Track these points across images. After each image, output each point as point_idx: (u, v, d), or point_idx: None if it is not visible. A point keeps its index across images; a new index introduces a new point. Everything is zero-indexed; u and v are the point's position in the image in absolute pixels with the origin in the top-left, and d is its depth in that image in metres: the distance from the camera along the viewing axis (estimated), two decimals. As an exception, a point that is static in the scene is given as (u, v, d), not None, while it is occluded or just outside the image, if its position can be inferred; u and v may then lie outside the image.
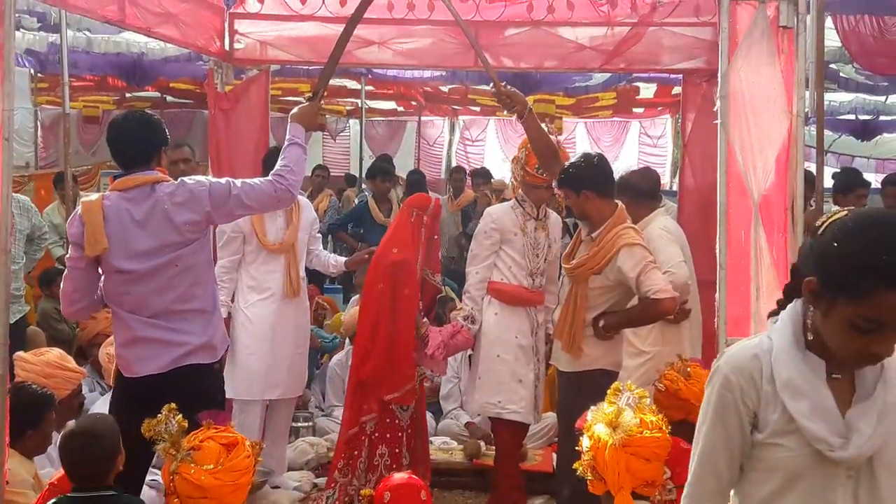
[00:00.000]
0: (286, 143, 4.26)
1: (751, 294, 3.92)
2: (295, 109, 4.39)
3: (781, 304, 2.24)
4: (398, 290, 5.31)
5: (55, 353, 4.82)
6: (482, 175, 10.77)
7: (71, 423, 3.77)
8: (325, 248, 7.34)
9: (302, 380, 6.06)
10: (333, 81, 10.99)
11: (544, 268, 5.33)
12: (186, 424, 3.45)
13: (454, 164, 16.17)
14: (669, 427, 3.37)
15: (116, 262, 3.93)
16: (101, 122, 15.21)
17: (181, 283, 4.00)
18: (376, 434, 5.34)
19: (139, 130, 4.05)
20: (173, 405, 3.42)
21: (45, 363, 4.68)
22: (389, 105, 14.77)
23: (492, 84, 5.12)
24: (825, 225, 2.21)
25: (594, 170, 4.61)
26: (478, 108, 14.36)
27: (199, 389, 3.94)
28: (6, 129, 3.81)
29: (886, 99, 10.80)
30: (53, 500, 3.19)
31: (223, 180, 4.11)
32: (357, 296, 7.92)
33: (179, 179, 4.08)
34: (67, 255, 4.10)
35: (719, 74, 3.92)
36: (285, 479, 5.92)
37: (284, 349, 5.75)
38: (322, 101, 4.59)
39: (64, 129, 7.64)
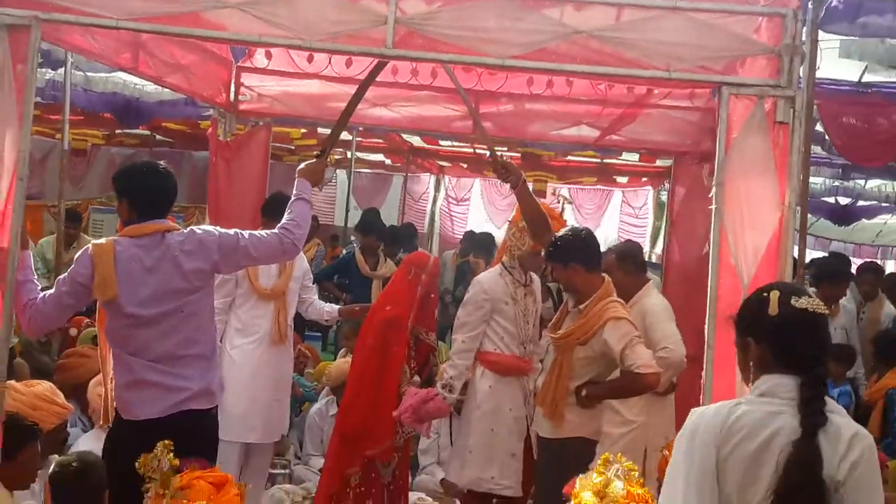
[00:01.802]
0: (293, 197, 4.40)
1: (736, 374, 4.01)
2: (302, 165, 4.55)
3: None
4: (387, 346, 5.36)
5: (45, 386, 4.82)
6: (486, 246, 10.80)
7: (64, 457, 3.83)
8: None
9: (281, 426, 6.12)
10: (322, 130, 11.15)
11: (533, 334, 5.36)
12: (178, 463, 3.53)
13: (437, 220, 16.35)
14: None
15: (125, 307, 4.01)
16: (88, 155, 15.28)
17: (184, 329, 4.09)
18: (362, 488, 5.36)
19: (164, 185, 4.20)
20: (168, 441, 3.53)
21: (34, 395, 4.68)
22: (377, 157, 14.93)
23: (489, 153, 5.26)
24: None
25: (582, 243, 4.74)
26: (465, 166, 14.53)
27: (195, 435, 4.00)
28: (21, 169, 3.92)
29: (866, 183, 11.03)
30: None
31: (231, 231, 4.23)
32: (343, 348, 7.99)
33: (189, 229, 4.22)
34: (60, 281, 4.10)
35: (716, 162, 4.06)
36: (260, 524, 5.95)
37: (265, 394, 5.84)
38: (328, 160, 4.73)
39: (61, 165, 7.72)
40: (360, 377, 5.43)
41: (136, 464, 3.48)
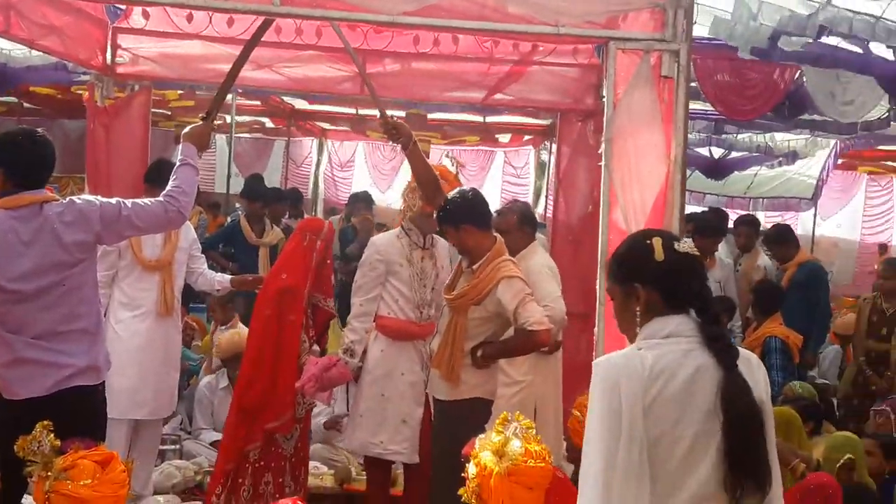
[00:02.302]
0: (178, 163, 4.26)
1: (628, 327, 4.10)
2: (187, 129, 4.40)
3: None
4: (284, 316, 5.28)
5: None
6: (364, 200, 10.80)
7: None
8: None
9: (171, 401, 6.00)
10: (200, 92, 10.88)
11: (432, 298, 5.29)
12: (59, 444, 3.42)
13: (321, 186, 16.19)
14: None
15: (2, 283, 3.84)
16: (-49, 126, 14.55)
17: (66, 303, 3.95)
18: (261, 462, 5.28)
19: (37, 151, 4.01)
20: (47, 422, 3.40)
21: None
22: (258, 120, 14.65)
23: (379, 114, 5.20)
24: None
25: (472, 204, 4.75)
26: (348, 128, 14.42)
27: (82, 412, 3.89)
28: None
29: (737, 135, 11.34)
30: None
31: (114, 201, 4.08)
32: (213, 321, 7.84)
33: (69, 199, 4.04)
34: None
35: (605, 119, 4.10)
36: (151, 501, 5.81)
37: (153, 369, 5.70)
38: (213, 122, 4.60)
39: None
40: (259, 349, 5.33)
41: (14, 447, 3.35)
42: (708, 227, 8.12)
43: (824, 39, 5.60)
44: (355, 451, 5.82)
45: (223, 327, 7.52)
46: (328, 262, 5.60)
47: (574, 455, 4.11)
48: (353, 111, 12.49)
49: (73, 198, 4.08)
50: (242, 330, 6.85)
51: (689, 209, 8.86)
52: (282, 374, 5.26)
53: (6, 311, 3.90)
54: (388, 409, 5.23)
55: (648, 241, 2.64)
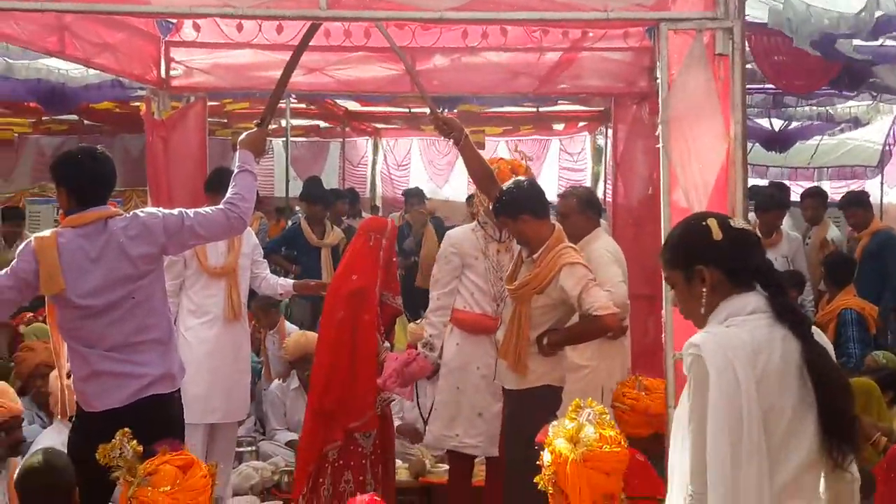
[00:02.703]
0: (237, 170, 4.30)
1: (697, 309, 4.05)
2: (243, 136, 4.44)
3: None
4: (358, 317, 5.27)
5: None
6: (416, 195, 10.83)
7: (29, 458, 3.76)
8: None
9: (243, 404, 6.09)
10: (254, 103, 11.00)
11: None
12: (142, 450, 3.49)
13: (379, 185, 16.26)
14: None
15: (74, 300, 3.92)
16: (15, 146, 14.92)
17: (137, 315, 4.02)
18: (340, 461, 5.29)
19: (102, 170, 4.09)
20: (127, 430, 3.47)
21: None
22: (312, 123, 14.76)
23: (429, 111, 5.18)
24: None
25: (527, 193, 4.72)
26: (401, 126, 14.46)
27: (160, 420, 3.96)
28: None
29: (796, 107, 11.14)
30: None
31: (175, 211, 4.15)
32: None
33: (132, 213, 4.13)
34: (3, 276, 3.97)
35: (660, 100, 4.06)
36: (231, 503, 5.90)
37: (224, 373, 5.79)
38: (269, 128, 4.63)
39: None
40: (335, 351, 5.30)
41: (97, 454, 3.43)
42: (770, 201, 7.98)
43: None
44: (430, 445, 5.80)
45: (271, 332, 7.60)
46: (394, 259, 5.59)
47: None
48: (405, 109, 12.50)
49: (137, 211, 4.16)
50: (309, 333, 6.93)
51: (752, 183, 8.75)
52: (361, 373, 5.24)
53: (79, 327, 3.99)
54: (463, 402, 5.22)
55: (704, 223, 2.67)
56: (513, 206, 4.69)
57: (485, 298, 5.23)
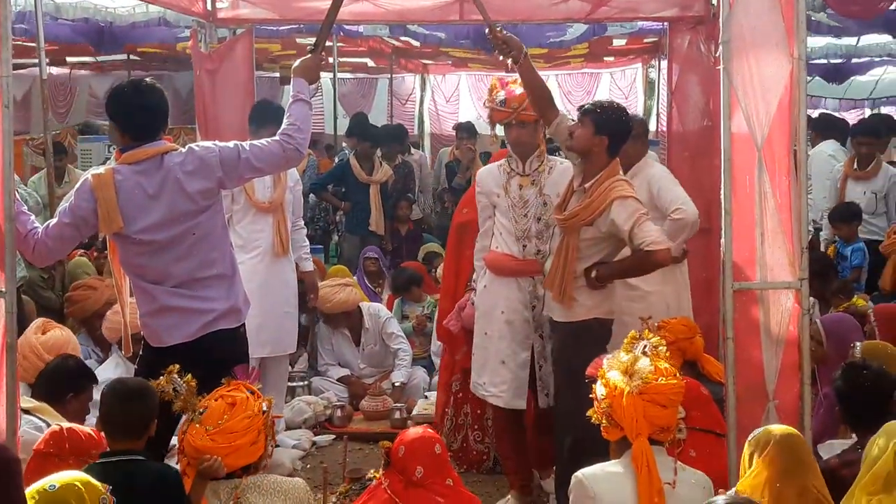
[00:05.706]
0: (291, 99, 4.14)
1: (756, 239, 3.92)
2: (297, 63, 4.23)
3: None
4: (461, 250, 5.34)
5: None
6: (466, 129, 10.65)
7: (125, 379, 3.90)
8: (306, 206, 7.40)
9: (293, 337, 6.09)
10: (300, 40, 10.90)
11: (538, 230, 4.88)
12: (195, 384, 3.51)
13: (427, 121, 16.14)
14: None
15: (134, 235, 3.90)
16: (69, 85, 15.04)
17: (200, 251, 3.99)
18: (461, 394, 5.46)
19: (149, 101, 4.00)
20: (175, 367, 3.53)
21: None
22: (360, 61, 14.66)
23: (488, 30, 4.97)
24: None
25: (621, 124, 4.54)
26: (450, 62, 14.27)
27: (227, 354, 3.95)
28: (5, 97, 3.73)
29: (858, 41, 10.86)
30: (85, 468, 3.17)
31: (231, 144, 4.05)
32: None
33: (188, 147, 4.04)
34: (62, 212, 3.94)
35: (720, 20, 3.90)
36: (284, 437, 5.96)
37: (273, 307, 5.79)
38: (322, 54, 4.48)
39: (43, 96, 7.52)
40: (446, 282, 5.68)
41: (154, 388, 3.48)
42: (872, 130, 7.78)
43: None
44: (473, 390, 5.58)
45: None
46: None
47: None
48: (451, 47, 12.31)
49: (192, 145, 4.06)
50: (349, 287, 7.01)
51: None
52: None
53: (144, 264, 3.97)
54: (490, 348, 4.95)
55: None
56: (604, 123, 4.45)
57: (511, 238, 4.89)
